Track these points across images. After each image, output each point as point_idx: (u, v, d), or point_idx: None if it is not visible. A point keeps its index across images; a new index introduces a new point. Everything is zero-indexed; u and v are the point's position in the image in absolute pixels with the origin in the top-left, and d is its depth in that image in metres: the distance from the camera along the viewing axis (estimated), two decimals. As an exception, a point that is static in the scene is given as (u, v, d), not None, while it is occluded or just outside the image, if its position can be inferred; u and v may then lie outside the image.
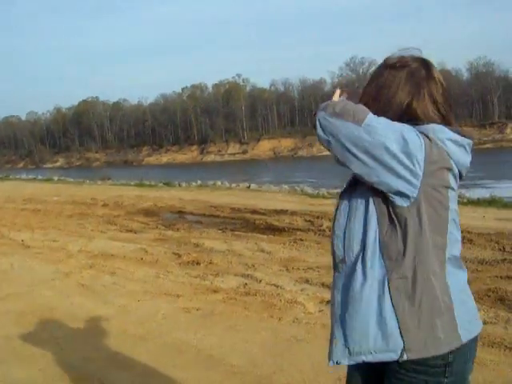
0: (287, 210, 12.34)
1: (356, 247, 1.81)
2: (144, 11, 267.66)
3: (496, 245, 7.83)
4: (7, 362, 4.61)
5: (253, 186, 21.12)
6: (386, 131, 1.68)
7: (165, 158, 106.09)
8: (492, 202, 12.35)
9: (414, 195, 1.72)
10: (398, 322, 1.74)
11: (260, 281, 6.69)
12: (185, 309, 5.84)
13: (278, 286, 6.42)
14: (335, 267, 1.90)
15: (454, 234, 1.83)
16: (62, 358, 4.64)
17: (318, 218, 10.82)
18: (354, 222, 1.83)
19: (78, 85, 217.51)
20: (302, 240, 8.99)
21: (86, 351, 4.81)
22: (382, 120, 1.72)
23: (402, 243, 1.75)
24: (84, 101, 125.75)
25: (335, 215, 1.91)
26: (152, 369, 4.37)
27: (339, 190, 2.02)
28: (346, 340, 1.82)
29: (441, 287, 1.78)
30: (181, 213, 13.63)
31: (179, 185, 22.88)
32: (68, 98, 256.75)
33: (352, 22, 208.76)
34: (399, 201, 1.73)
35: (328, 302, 5.65)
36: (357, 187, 1.85)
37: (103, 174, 36.49)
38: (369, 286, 1.77)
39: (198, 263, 7.86)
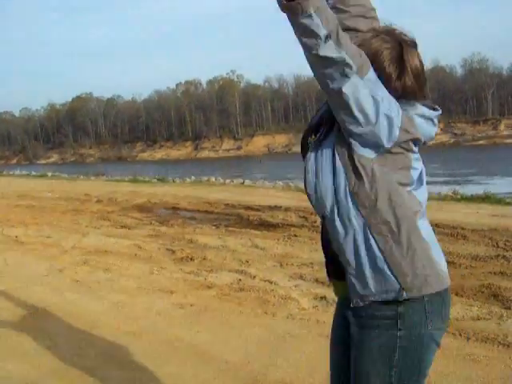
0: (281, 206, 12.33)
1: (330, 202, 1.86)
2: (139, 7, 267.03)
3: (490, 241, 7.84)
4: (0, 359, 4.60)
5: (247, 182, 21.11)
6: (379, 90, 1.76)
7: (159, 154, 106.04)
8: (485, 199, 12.35)
9: (382, 151, 1.80)
10: (389, 264, 1.80)
11: (254, 277, 6.69)
12: (179, 305, 5.84)
13: (272, 282, 6.42)
14: (322, 222, 1.97)
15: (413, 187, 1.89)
16: (56, 354, 4.63)
17: (311, 214, 10.79)
18: (322, 177, 1.87)
19: (72, 81, 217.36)
20: (295, 236, 8.99)
21: (80, 347, 4.80)
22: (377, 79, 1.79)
23: (372, 190, 1.80)
24: (78, 97, 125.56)
25: (304, 173, 1.94)
26: (146, 365, 4.36)
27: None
28: (352, 285, 1.89)
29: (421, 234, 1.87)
30: (175, 209, 13.59)
31: (173, 181, 22.80)
32: (62, 94, 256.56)
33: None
34: (366, 153, 1.80)
35: (322, 297, 5.67)
36: (321, 143, 1.90)
37: (97, 169, 36.36)
38: (351, 237, 1.84)
39: (191, 259, 7.86)
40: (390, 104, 1.76)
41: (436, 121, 1.92)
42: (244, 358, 4.42)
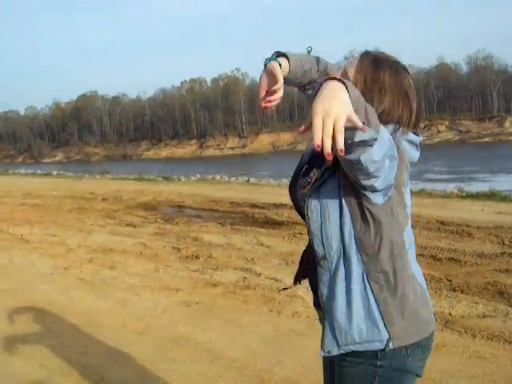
0: (286, 204, 12.31)
1: (335, 245, 1.84)
2: (143, 5, 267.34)
3: (495, 238, 7.83)
4: (7, 357, 4.61)
5: (252, 179, 21.11)
6: (386, 137, 1.64)
7: (164, 153, 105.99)
8: (491, 196, 12.32)
9: (390, 194, 1.76)
10: (382, 314, 1.80)
11: (259, 274, 6.69)
12: (184, 303, 5.84)
13: (277, 280, 6.42)
14: (318, 263, 1.92)
15: (409, 233, 1.89)
16: (62, 353, 4.65)
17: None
18: (330, 221, 1.84)
19: (77, 79, 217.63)
20: (301, 234, 8.98)
21: (86, 346, 4.81)
22: (382, 126, 1.65)
23: (376, 239, 1.79)
24: (83, 95, 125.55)
25: (307, 213, 1.90)
26: (151, 363, 4.37)
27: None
28: (333, 331, 1.86)
29: (417, 280, 1.89)
30: (180, 207, 13.62)
31: (178, 179, 22.83)
32: (67, 92, 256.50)
33: (351, 15, 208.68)
34: (376, 198, 1.76)
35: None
36: (324, 184, 1.86)
37: (102, 168, 36.45)
38: (350, 282, 1.82)
39: (197, 257, 7.87)
40: (393, 144, 1.67)
41: (419, 146, 1.90)
42: (249, 355, 4.43)
